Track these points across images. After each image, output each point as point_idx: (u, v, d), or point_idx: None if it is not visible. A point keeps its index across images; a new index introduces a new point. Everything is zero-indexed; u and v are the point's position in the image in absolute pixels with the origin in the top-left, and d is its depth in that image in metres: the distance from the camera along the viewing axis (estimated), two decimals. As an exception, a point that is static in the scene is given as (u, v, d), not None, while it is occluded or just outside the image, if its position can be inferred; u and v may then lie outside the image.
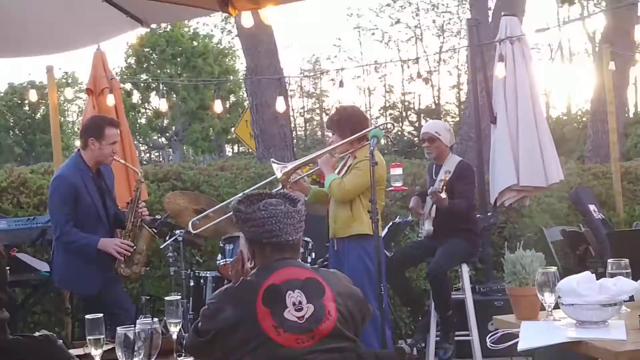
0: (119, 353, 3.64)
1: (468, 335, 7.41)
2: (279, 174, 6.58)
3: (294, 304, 3.42)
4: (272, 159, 7.23)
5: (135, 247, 6.61)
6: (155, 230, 6.96)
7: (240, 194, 3.77)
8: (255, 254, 3.62)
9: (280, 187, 6.56)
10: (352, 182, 6.52)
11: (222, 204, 7.44)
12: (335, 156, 6.84)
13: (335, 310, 3.48)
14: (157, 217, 7.38)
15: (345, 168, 6.71)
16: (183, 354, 4.12)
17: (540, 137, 8.68)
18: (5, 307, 2.67)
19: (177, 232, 7.52)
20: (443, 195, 6.82)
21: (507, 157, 8.66)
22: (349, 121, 6.70)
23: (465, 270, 7.55)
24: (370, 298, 6.00)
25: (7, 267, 2.76)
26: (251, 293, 3.44)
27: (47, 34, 5.22)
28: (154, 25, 5.88)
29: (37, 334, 2.95)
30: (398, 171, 6.80)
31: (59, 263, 6.64)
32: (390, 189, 6.91)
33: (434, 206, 7.19)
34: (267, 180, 7.40)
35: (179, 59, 41.41)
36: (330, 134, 6.95)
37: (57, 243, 6.58)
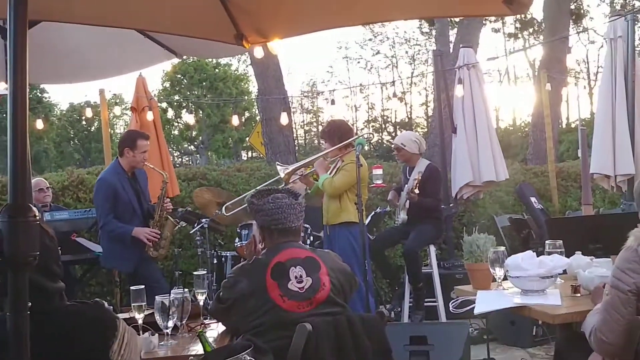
0: (157, 316, 3.64)
1: (435, 301, 7.41)
2: (282, 174, 6.61)
3: (296, 277, 3.42)
4: (277, 162, 7.24)
5: (161, 235, 6.67)
6: (177, 221, 7.03)
7: (253, 190, 3.77)
8: (265, 237, 3.62)
9: (283, 184, 6.58)
10: (340, 181, 6.54)
11: (239, 197, 7.45)
12: (328, 160, 6.85)
13: (329, 282, 3.48)
14: (179, 209, 7.50)
15: (335, 169, 6.72)
16: (208, 317, 4.12)
17: (491, 144, 8.68)
18: (60, 279, 2.68)
19: (204, 220, 7.51)
20: (416, 190, 6.84)
21: (465, 160, 8.67)
22: (337, 131, 6.75)
23: (432, 250, 7.55)
24: (357, 272, 6.01)
25: (60, 247, 2.76)
26: (262, 269, 3.44)
27: (99, 63, 5.22)
28: (185, 56, 5.85)
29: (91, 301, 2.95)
30: (379, 172, 6.79)
31: (104, 247, 6.77)
32: (372, 185, 6.90)
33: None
34: (274, 179, 7.41)
35: (204, 83, 41.33)
36: (323, 142, 6.96)
37: (101, 231, 6.67)
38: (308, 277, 3.45)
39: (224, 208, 7.20)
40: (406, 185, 7.28)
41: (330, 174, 6.72)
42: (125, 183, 6.58)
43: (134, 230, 6.53)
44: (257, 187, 3.85)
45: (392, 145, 7.69)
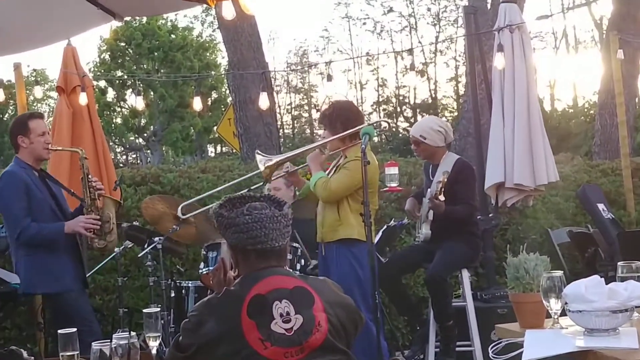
0: (94, 370, 3.64)
1: (470, 345, 7.41)
2: (261, 167, 6.56)
3: (281, 315, 3.42)
4: (257, 151, 7.18)
5: (101, 218, 6.77)
6: (119, 199, 7.16)
7: (223, 198, 3.76)
8: (239, 261, 3.63)
9: (263, 182, 6.58)
10: (338, 182, 6.52)
11: (204, 208, 7.46)
12: (325, 153, 6.83)
13: (326, 321, 3.47)
14: (123, 224, 7.57)
15: (335, 168, 6.71)
16: (163, 370, 4.12)
17: (532, 133, 8.63)
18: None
19: (156, 239, 7.49)
20: (441, 197, 6.81)
21: (497, 153, 8.63)
22: (340, 116, 6.71)
23: (465, 275, 7.55)
24: (362, 307, 6.00)
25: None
26: (235, 304, 3.44)
27: (15, 31, 5.22)
28: (127, 18, 5.84)
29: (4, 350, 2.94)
30: (393, 170, 6.77)
31: (23, 266, 6.72)
32: (385, 189, 6.89)
33: (432, 208, 7.18)
34: (249, 175, 7.41)
35: (156, 54, 41.33)
36: (322, 130, 6.95)
37: (16, 246, 6.69)
38: (297, 315, 3.44)
39: (179, 209, 7.19)
40: (429, 190, 7.26)
41: (328, 173, 6.71)
42: (34, 179, 6.70)
43: (66, 226, 6.60)
44: (229, 195, 3.82)
45: (410, 137, 7.67)
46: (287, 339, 3.38)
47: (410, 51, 35.33)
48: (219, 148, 47.47)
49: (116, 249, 7.51)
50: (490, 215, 8.96)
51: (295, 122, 50.34)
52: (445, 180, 6.86)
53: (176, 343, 3.55)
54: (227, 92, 31.12)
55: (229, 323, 3.40)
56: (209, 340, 3.40)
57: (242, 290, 3.48)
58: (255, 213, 3.56)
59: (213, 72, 40.90)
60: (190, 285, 7.72)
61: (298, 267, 7.35)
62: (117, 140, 45.16)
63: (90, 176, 6.89)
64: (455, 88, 44.02)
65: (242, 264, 3.61)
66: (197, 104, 11.38)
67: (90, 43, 54.24)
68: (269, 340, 3.37)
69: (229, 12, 4.58)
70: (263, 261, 3.57)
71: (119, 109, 44.25)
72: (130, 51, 42.08)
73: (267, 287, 3.48)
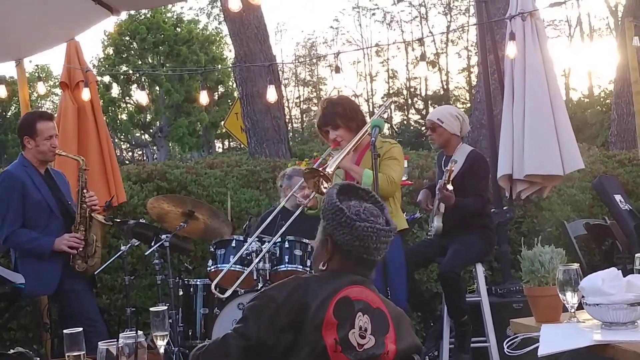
0: (101, 370, 3.63)
1: (485, 341, 7.39)
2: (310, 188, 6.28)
3: (360, 328, 3.37)
4: (287, 172, 6.94)
5: (86, 239, 6.73)
6: (111, 218, 7.23)
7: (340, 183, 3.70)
8: (335, 255, 3.55)
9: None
10: (396, 173, 6.48)
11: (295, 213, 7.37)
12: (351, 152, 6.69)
13: (394, 353, 3.45)
14: (129, 221, 7.53)
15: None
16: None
17: (556, 122, 8.56)
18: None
19: (163, 236, 7.48)
20: (450, 186, 6.77)
21: (507, 145, 8.57)
22: (353, 113, 6.61)
23: (480, 270, 7.54)
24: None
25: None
26: (327, 293, 3.39)
27: (17, 36, 5.23)
28: (125, 14, 5.85)
29: (11, 351, 2.94)
30: (403, 164, 6.75)
31: (19, 268, 6.76)
32: (395, 183, 6.87)
33: (444, 200, 7.15)
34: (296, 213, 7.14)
35: (161, 48, 41.38)
36: (333, 131, 6.70)
37: (5, 245, 6.77)
38: (372, 336, 3.41)
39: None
40: (439, 181, 7.22)
41: (323, 167, 6.57)
42: (35, 178, 6.69)
43: (55, 243, 6.59)
44: (341, 182, 3.76)
45: (425, 124, 7.62)
46: (356, 353, 3.35)
47: (420, 41, 35.24)
48: (226, 143, 47.52)
49: (123, 247, 7.52)
50: (504, 208, 8.94)
51: (304, 115, 50.34)
52: (453, 168, 6.82)
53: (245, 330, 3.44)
54: (234, 85, 31.08)
55: (316, 311, 3.34)
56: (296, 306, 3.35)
57: (336, 285, 3.43)
58: (371, 220, 3.48)
59: (219, 66, 40.88)
60: (198, 283, 7.70)
61: (308, 263, 7.32)
62: (122, 137, 45.23)
63: (85, 191, 6.85)
64: (468, 79, 44.05)
65: (339, 260, 3.54)
66: (203, 98, 11.36)
67: (94, 38, 54.42)
68: (341, 345, 3.32)
69: (235, 4, 4.57)
70: (360, 268, 3.53)
71: (124, 105, 44.28)
72: (135, 45, 42.09)
73: (357, 295, 3.43)
